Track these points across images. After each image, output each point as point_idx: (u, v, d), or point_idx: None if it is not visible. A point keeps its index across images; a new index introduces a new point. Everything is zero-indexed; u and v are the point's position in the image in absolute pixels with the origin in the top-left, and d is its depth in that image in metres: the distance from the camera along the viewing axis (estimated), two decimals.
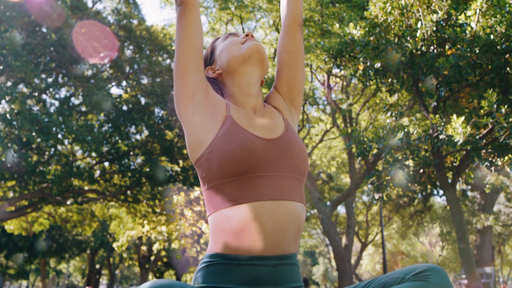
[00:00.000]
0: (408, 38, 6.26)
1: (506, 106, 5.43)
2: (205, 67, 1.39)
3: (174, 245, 17.96)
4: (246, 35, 1.33)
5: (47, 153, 11.35)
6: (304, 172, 1.21)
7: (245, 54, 1.28)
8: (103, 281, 36.54)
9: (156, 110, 12.82)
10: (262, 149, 1.14)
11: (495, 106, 5.41)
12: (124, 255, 24.98)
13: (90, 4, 13.54)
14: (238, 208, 1.10)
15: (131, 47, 13.24)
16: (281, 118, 1.29)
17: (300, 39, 1.39)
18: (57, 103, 12.14)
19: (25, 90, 11.44)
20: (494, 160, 6.09)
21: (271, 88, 1.43)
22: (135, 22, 13.21)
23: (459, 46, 5.88)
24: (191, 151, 1.21)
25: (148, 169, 12.11)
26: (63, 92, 13.00)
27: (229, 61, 1.30)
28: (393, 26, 6.33)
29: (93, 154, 12.47)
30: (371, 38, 6.38)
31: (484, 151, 5.99)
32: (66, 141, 10.91)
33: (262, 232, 1.08)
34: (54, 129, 9.94)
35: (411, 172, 6.88)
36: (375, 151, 6.53)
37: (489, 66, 5.87)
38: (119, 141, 12.52)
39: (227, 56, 1.31)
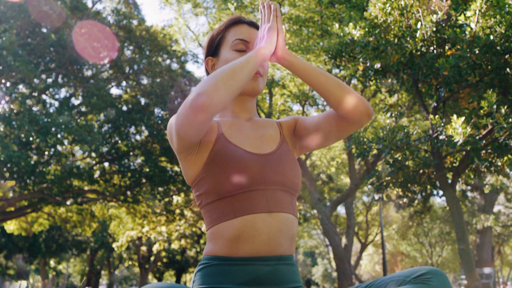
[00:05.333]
0: (408, 39, 6.26)
1: (505, 107, 5.43)
2: (208, 54, 1.35)
3: (174, 245, 17.93)
4: None
5: (46, 153, 11.34)
6: (297, 187, 1.21)
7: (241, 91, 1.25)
8: (103, 282, 36.52)
9: (156, 110, 12.81)
10: (255, 164, 1.15)
11: (495, 106, 5.40)
12: (124, 255, 24.99)
13: (90, 4, 13.55)
14: (234, 220, 1.12)
15: (131, 47, 13.23)
16: (278, 133, 1.30)
17: (349, 132, 1.26)
18: (57, 104, 12.13)
19: (24, 90, 11.42)
20: (493, 161, 6.09)
21: (289, 118, 1.36)
22: (135, 22, 13.20)
23: (459, 47, 5.88)
24: (187, 176, 1.21)
25: (147, 169, 12.10)
26: (62, 93, 13.00)
27: None
28: (393, 27, 6.33)
29: (93, 154, 12.46)
30: (371, 39, 6.38)
31: (484, 151, 5.99)
32: (65, 141, 10.90)
33: (258, 236, 1.10)
34: (53, 129, 9.93)
35: (411, 173, 6.88)
36: (374, 151, 6.53)
37: (489, 67, 5.87)
38: (119, 141, 12.52)
39: None
